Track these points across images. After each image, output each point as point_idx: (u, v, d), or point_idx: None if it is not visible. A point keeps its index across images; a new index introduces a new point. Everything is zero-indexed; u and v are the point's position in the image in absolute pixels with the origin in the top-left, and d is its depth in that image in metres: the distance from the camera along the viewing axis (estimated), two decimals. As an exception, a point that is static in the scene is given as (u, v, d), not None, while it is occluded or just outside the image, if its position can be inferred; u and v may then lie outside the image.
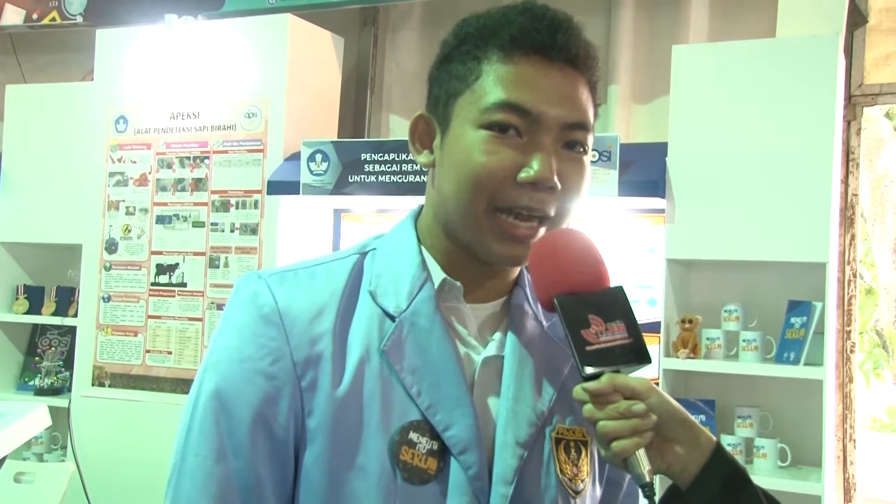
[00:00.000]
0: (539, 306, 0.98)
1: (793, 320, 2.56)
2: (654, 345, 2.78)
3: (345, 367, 0.89)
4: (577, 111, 0.90)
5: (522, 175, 0.87)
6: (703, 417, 2.66)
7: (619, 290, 0.90)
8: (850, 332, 2.89)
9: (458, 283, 0.94)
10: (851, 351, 2.89)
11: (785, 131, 2.54)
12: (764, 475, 2.52)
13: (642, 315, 2.86)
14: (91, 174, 3.49)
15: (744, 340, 2.62)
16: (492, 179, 0.87)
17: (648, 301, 2.86)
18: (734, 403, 2.68)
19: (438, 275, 0.94)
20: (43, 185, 3.60)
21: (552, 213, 0.90)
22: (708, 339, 2.66)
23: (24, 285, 3.74)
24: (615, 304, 0.89)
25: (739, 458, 2.56)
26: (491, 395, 0.93)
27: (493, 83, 0.88)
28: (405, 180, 2.92)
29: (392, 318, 0.91)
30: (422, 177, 2.90)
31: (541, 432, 0.94)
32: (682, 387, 2.78)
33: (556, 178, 0.88)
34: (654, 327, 2.78)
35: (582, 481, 0.95)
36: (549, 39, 0.89)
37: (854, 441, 2.88)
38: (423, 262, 0.94)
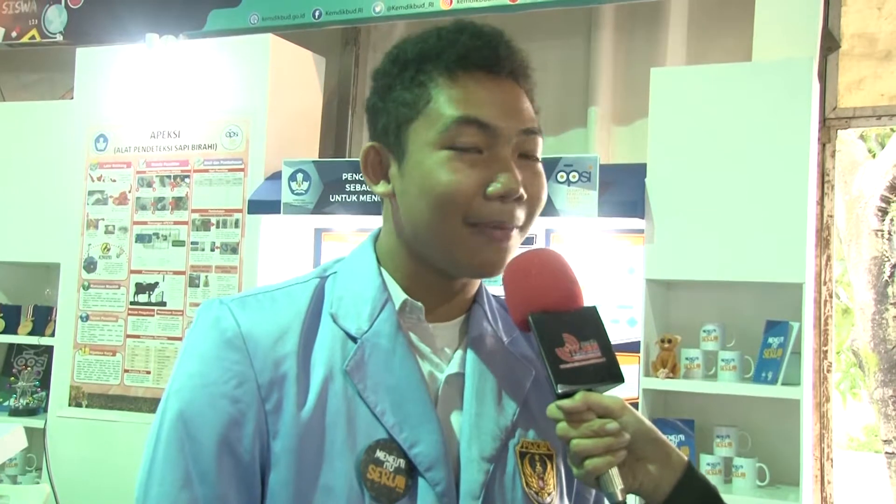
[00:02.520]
0: (499, 323, 1.00)
1: (770, 340, 2.59)
2: (633, 364, 2.80)
3: (308, 389, 0.89)
4: (528, 119, 0.92)
5: (491, 189, 0.89)
6: (682, 437, 2.68)
7: (593, 309, 0.92)
8: (826, 351, 2.92)
9: (420, 304, 0.95)
10: (828, 371, 2.92)
11: (761, 153, 2.58)
12: (743, 494, 2.54)
13: (622, 335, 2.88)
14: (70, 192, 3.47)
15: (722, 360, 2.64)
16: (461, 197, 0.88)
17: (628, 321, 2.88)
18: (713, 423, 2.69)
19: (399, 296, 0.95)
20: (21, 204, 3.57)
21: (521, 221, 0.92)
22: (687, 358, 2.67)
23: (1, 304, 3.70)
24: (589, 324, 0.90)
25: (718, 478, 2.58)
26: (454, 412, 0.94)
27: (445, 104, 0.90)
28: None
29: (354, 339, 0.92)
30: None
31: (505, 446, 0.94)
32: (661, 406, 2.80)
33: (521, 189, 0.90)
34: (633, 347, 2.79)
35: (549, 494, 0.96)
36: (492, 55, 0.91)
37: (831, 460, 2.90)
38: (384, 283, 0.95)
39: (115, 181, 3.41)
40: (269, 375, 0.88)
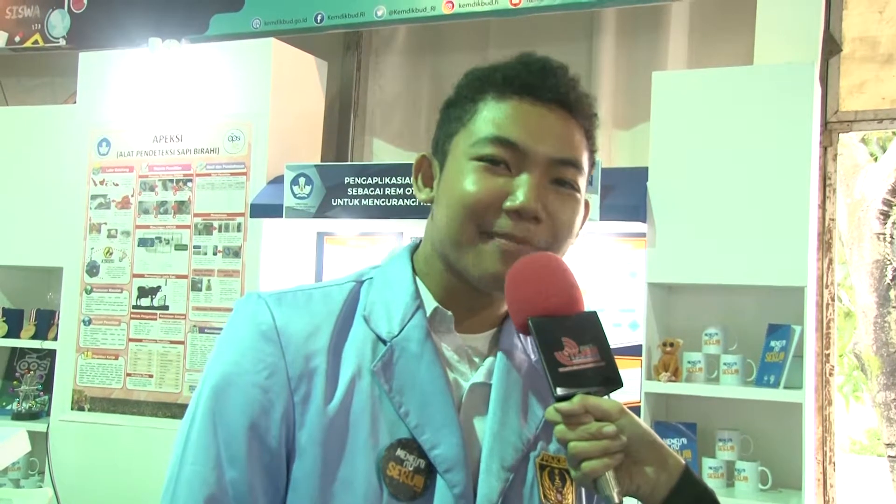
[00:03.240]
0: (528, 340, 1.01)
1: (772, 344, 2.59)
2: (635, 368, 2.80)
3: (337, 384, 0.92)
4: (566, 148, 0.94)
5: (508, 203, 0.91)
6: (684, 440, 2.68)
7: (593, 314, 0.92)
8: (829, 355, 2.91)
9: (450, 313, 0.97)
10: (831, 374, 2.92)
11: (763, 157, 2.58)
12: (745, 498, 2.54)
13: (624, 338, 2.88)
14: (73, 196, 3.47)
15: (724, 364, 2.64)
16: (478, 206, 0.91)
17: (630, 324, 2.88)
18: (715, 426, 2.69)
19: (431, 303, 0.98)
20: (24, 208, 3.58)
21: (541, 244, 0.93)
22: (689, 362, 2.67)
23: (3, 308, 3.71)
24: (588, 328, 0.90)
25: (720, 482, 2.58)
26: (477, 419, 0.95)
27: (485, 120, 0.94)
28: (388, 204, 2.93)
29: (384, 341, 0.95)
30: (405, 200, 2.92)
31: (525, 458, 0.95)
32: (663, 410, 2.80)
33: (539, 208, 0.91)
34: (635, 351, 2.79)
35: None
36: (539, 80, 0.94)
37: (834, 464, 2.90)
38: (417, 291, 0.98)
39: (117, 185, 3.42)
40: (300, 368, 0.92)
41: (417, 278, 0.99)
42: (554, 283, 0.92)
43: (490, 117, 0.94)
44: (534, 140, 0.92)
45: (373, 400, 0.92)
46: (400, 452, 0.90)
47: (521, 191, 0.91)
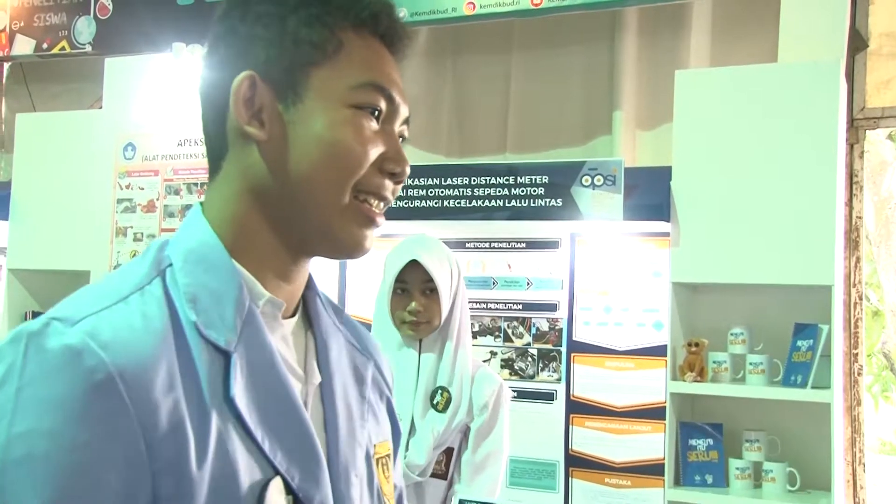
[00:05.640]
0: (328, 307, 0.91)
1: (799, 343, 2.56)
2: (660, 368, 2.78)
3: (206, 433, 0.71)
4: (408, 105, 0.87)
5: (391, 166, 0.82)
6: (710, 441, 2.66)
7: None
8: (857, 354, 2.88)
9: (281, 301, 0.81)
10: (859, 374, 2.88)
11: (788, 155, 2.56)
12: (773, 500, 2.51)
13: (648, 339, 2.87)
14: (99, 201, 3.51)
15: (750, 364, 2.61)
16: (364, 160, 0.80)
17: (654, 324, 2.86)
18: (742, 427, 2.67)
19: (258, 291, 0.80)
20: (52, 213, 3.62)
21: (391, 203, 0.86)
22: (714, 362, 2.65)
23: (32, 311, 3.76)
24: None
25: (748, 483, 2.56)
26: (318, 425, 0.83)
27: (359, 60, 0.81)
28: (410, 205, 2.92)
29: (224, 352, 0.75)
30: (426, 202, 2.89)
31: (367, 457, 0.88)
32: (688, 410, 2.78)
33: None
34: (660, 351, 2.78)
35: (391, 497, 0.92)
36: (398, 30, 0.85)
37: (864, 465, 2.87)
38: (240, 276, 0.79)
39: (143, 189, 3.45)
40: (160, 426, 0.68)
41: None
42: None
43: (364, 58, 0.81)
44: (400, 94, 0.83)
45: (236, 438, 0.73)
46: (273, 495, 0.74)
47: (397, 152, 0.82)
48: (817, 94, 2.55)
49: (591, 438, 2.93)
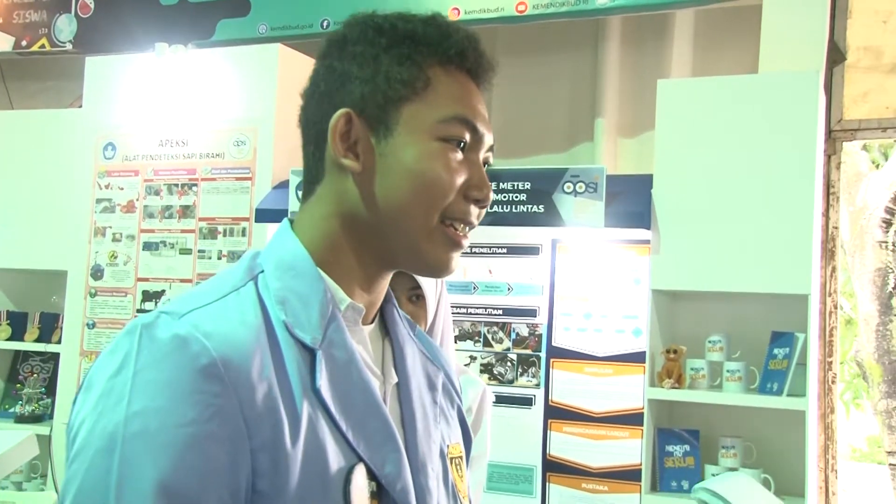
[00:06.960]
0: (405, 321, 0.99)
1: (776, 351, 2.59)
2: (638, 375, 2.80)
3: (297, 417, 0.78)
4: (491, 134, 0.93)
5: (476, 193, 0.88)
6: (686, 447, 2.68)
7: None
8: (831, 362, 2.92)
9: (361, 306, 0.88)
10: (833, 381, 2.92)
11: (767, 165, 2.59)
12: (748, 505, 2.54)
13: (627, 345, 2.89)
14: (78, 200, 3.49)
15: (728, 371, 2.64)
16: (450, 191, 0.87)
17: (633, 331, 2.89)
18: (718, 434, 2.70)
19: (341, 297, 0.87)
20: (29, 211, 3.59)
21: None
22: (692, 369, 2.68)
23: (7, 311, 3.72)
24: None
25: (724, 489, 2.58)
26: (396, 421, 0.89)
27: (446, 96, 0.87)
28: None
29: (310, 350, 0.82)
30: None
31: (442, 455, 0.94)
32: (666, 417, 2.80)
33: None
34: (639, 357, 2.80)
35: (467, 497, 0.97)
36: (483, 62, 0.91)
37: (836, 471, 2.91)
38: (324, 281, 0.86)
39: (122, 189, 3.43)
40: (256, 407, 0.75)
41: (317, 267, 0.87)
42: None
43: (450, 93, 0.87)
44: (484, 125, 0.89)
45: (323, 425, 0.80)
46: (357, 479, 0.81)
47: (481, 180, 0.89)
48: (796, 104, 2.59)
49: (569, 443, 2.94)
